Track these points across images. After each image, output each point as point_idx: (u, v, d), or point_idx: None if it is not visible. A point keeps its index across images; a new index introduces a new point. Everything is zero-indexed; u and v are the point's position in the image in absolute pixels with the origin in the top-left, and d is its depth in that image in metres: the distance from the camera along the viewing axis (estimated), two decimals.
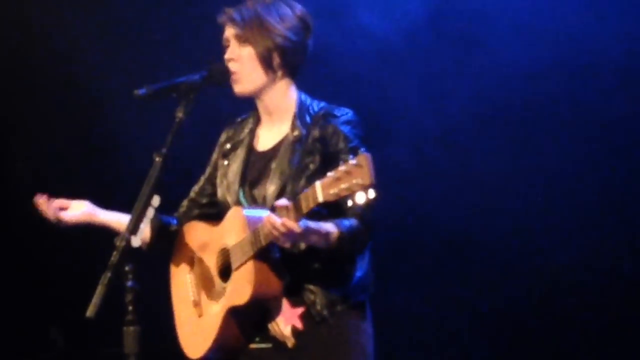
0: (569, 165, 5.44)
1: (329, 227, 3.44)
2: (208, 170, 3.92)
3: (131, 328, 3.20)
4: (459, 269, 5.61)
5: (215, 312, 3.61)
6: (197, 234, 3.79)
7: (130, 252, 3.23)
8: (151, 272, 3.61)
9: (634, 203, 5.39)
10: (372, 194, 3.12)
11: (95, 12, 5.95)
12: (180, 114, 3.48)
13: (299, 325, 3.55)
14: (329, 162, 3.50)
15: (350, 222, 3.49)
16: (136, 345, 3.20)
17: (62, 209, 3.91)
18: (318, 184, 3.23)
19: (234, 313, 3.55)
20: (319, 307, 3.56)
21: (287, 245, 3.42)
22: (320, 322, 3.56)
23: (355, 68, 5.62)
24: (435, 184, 5.61)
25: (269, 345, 3.61)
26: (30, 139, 6.16)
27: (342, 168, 3.16)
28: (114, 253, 3.22)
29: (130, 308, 3.20)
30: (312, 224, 3.38)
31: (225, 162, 3.83)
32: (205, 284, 3.71)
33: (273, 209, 3.47)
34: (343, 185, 3.15)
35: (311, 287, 3.56)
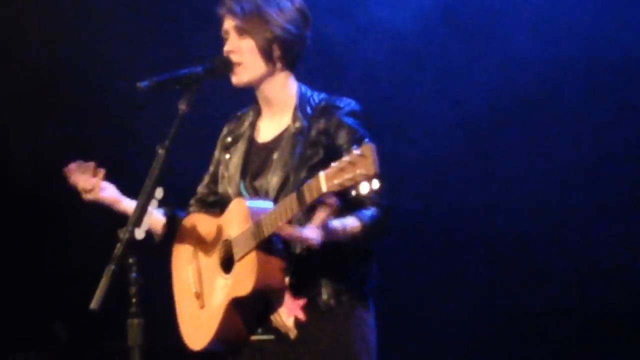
0: (587, 159, 5.43)
1: (352, 222, 3.46)
2: (211, 167, 3.93)
3: (135, 320, 3.19)
4: (475, 263, 5.61)
5: (217, 303, 3.61)
6: (199, 225, 3.79)
7: (133, 245, 3.23)
8: (154, 264, 3.61)
9: None
10: (376, 184, 3.11)
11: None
12: (183, 106, 3.48)
13: (302, 316, 3.55)
14: (334, 155, 3.49)
15: (370, 211, 3.50)
16: (140, 338, 3.20)
17: (98, 177, 3.88)
18: (322, 174, 3.22)
19: (236, 304, 3.55)
20: (325, 297, 3.56)
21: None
22: (326, 311, 3.56)
23: (371, 63, 5.62)
24: (452, 178, 5.61)
25: (271, 336, 3.61)
26: (30, 137, 6.15)
27: (346, 158, 3.15)
28: (118, 245, 3.22)
29: (133, 300, 3.20)
30: (337, 224, 3.39)
31: (227, 156, 3.83)
32: (208, 276, 3.71)
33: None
34: (347, 176, 3.15)
35: (317, 277, 3.56)
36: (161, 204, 3.37)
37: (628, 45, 5.34)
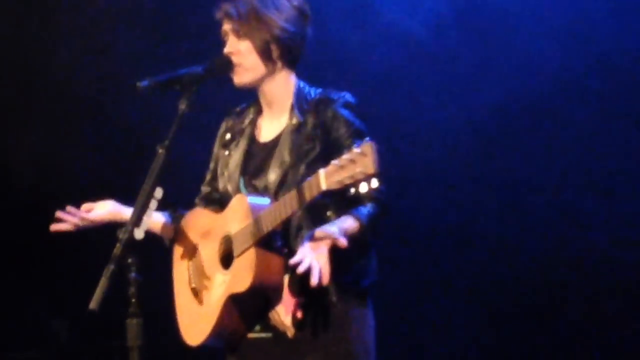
0: (598, 162, 5.43)
1: (350, 223, 3.47)
2: (212, 165, 3.93)
3: (134, 320, 3.20)
4: (482, 265, 5.61)
5: (215, 299, 3.61)
6: (199, 221, 3.80)
7: (133, 245, 3.23)
8: (154, 264, 3.61)
9: None
10: (375, 183, 3.11)
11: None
12: (182, 106, 3.48)
13: (300, 314, 3.55)
14: (331, 148, 3.51)
15: (367, 208, 3.51)
16: (139, 338, 3.20)
17: (88, 211, 3.92)
18: (322, 172, 3.22)
19: (234, 300, 3.54)
20: (324, 295, 3.54)
21: None
22: (325, 309, 3.55)
23: (383, 66, 5.62)
24: (464, 181, 5.61)
25: (269, 334, 3.61)
26: (31, 134, 6.16)
27: (346, 156, 3.15)
28: (117, 245, 3.22)
29: (133, 300, 3.20)
30: (335, 229, 3.40)
31: (226, 153, 3.83)
32: (207, 271, 3.70)
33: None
34: (346, 174, 3.15)
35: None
36: (163, 205, 3.37)
37: None
